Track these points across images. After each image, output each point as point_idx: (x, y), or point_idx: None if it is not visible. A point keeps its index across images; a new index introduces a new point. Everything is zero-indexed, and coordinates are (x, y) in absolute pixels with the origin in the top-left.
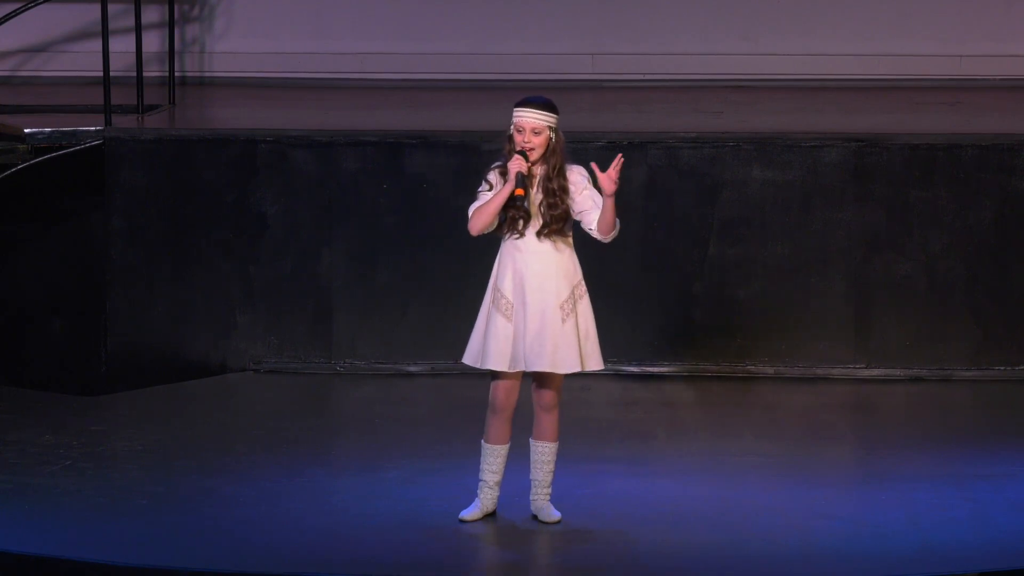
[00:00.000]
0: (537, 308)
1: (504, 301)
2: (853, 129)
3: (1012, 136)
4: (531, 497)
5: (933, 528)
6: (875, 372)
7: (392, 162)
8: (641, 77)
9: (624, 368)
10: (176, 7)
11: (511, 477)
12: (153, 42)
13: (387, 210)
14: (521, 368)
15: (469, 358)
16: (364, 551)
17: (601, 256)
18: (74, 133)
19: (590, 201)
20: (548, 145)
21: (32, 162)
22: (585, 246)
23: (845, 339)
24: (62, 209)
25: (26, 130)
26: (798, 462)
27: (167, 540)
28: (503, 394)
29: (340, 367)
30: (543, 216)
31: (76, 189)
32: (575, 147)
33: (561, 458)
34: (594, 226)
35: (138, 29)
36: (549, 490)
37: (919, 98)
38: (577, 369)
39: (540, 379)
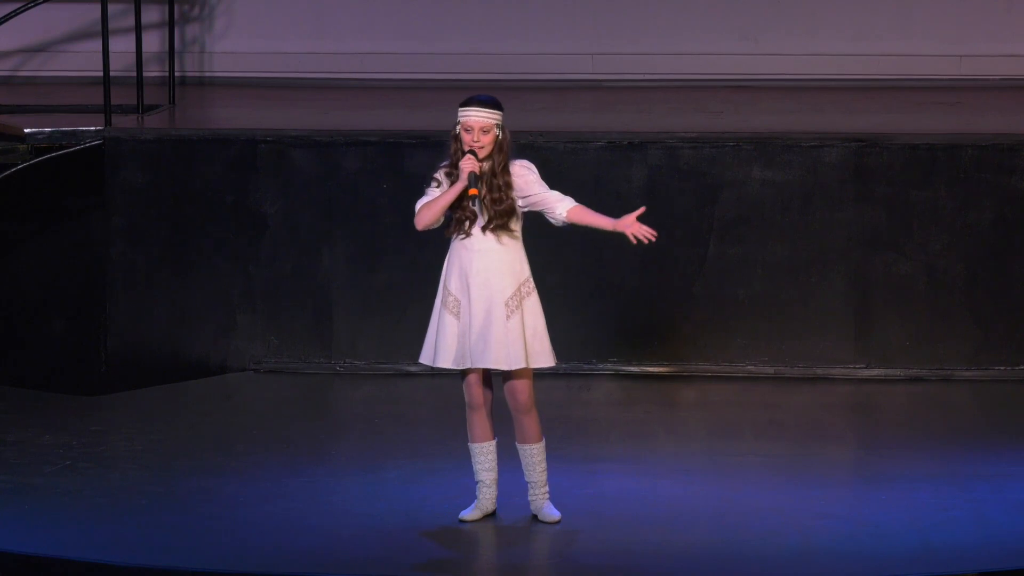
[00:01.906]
0: (481, 305)
1: (451, 299)
2: (853, 129)
3: (1012, 136)
4: (529, 498)
5: (933, 528)
6: (875, 372)
7: (392, 162)
8: (641, 77)
9: (624, 368)
10: (176, 7)
11: (509, 477)
12: (153, 42)
13: (387, 210)
14: (467, 365)
15: (424, 357)
16: (364, 551)
17: (601, 256)
18: (74, 133)
19: (547, 193)
20: (495, 143)
21: (32, 162)
22: (584, 248)
23: (845, 339)
24: (62, 209)
25: (26, 130)
26: (798, 462)
27: (167, 540)
28: (473, 390)
29: (340, 367)
30: (488, 211)
31: (76, 189)
32: (575, 147)
33: (561, 458)
34: (564, 216)
35: (138, 29)
36: (546, 489)
37: (919, 98)
38: (521, 366)
39: (507, 380)
